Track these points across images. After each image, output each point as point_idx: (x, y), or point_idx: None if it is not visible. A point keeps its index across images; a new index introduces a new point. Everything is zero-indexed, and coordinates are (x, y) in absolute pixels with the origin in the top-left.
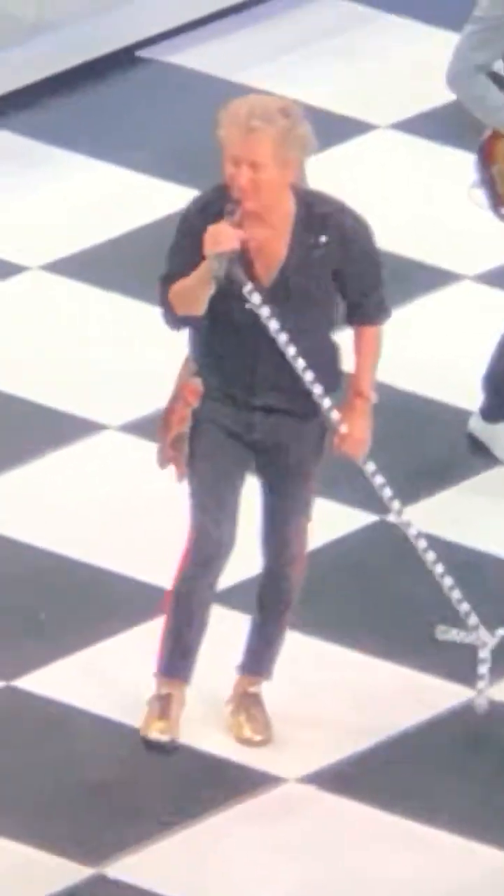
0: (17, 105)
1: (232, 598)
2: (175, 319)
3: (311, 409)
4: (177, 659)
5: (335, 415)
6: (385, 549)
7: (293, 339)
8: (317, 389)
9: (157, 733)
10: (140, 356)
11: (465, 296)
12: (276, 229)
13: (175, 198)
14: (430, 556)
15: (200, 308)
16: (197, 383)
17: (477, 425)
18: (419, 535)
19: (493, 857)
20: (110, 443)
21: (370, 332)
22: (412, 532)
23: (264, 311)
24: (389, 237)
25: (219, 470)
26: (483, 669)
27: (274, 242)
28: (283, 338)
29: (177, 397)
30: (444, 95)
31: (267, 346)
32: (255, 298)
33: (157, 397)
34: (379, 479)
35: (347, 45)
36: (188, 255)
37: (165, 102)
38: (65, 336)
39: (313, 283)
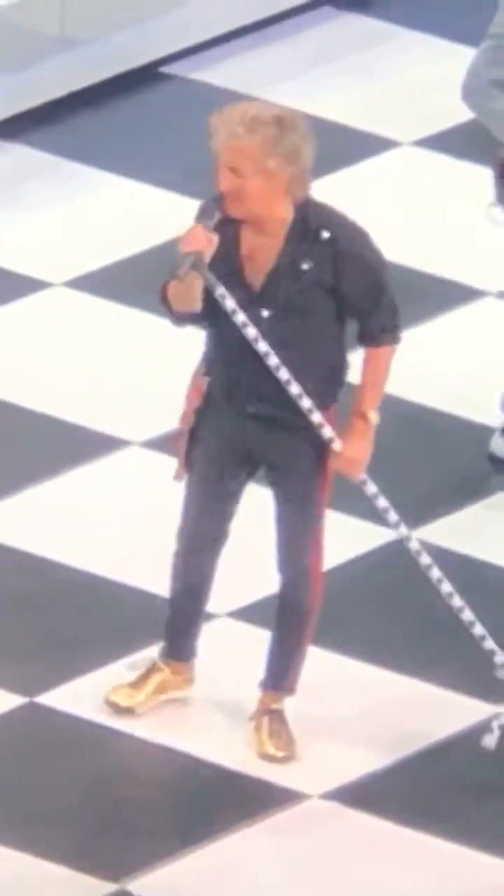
0: (41, 121)
1: (254, 614)
2: (172, 316)
3: (301, 423)
4: (164, 638)
5: (327, 431)
6: (407, 565)
7: (280, 349)
8: (305, 403)
9: (117, 697)
10: (163, 372)
11: (487, 312)
12: (271, 238)
13: None
14: (445, 585)
15: (191, 305)
16: (203, 382)
17: (498, 445)
18: (420, 551)
19: None
20: (134, 459)
21: (372, 354)
22: (414, 549)
23: (239, 318)
24: (412, 254)
25: (207, 496)
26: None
27: (266, 250)
28: (262, 347)
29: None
30: (465, 112)
31: (252, 354)
32: (229, 303)
33: (180, 413)
34: (382, 502)
35: (369, 61)
36: None
37: (189, 119)
38: (88, 352)
39: (302, 294)
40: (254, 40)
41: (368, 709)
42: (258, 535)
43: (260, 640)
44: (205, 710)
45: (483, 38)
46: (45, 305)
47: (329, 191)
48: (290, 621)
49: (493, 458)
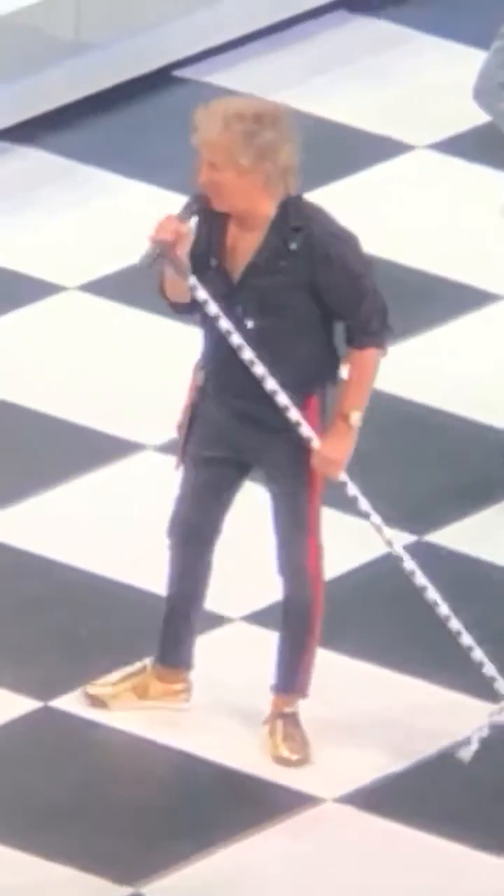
0: (55, 125)
1: (268, 617)
2: (168, 304)
3: (280, 422)
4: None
5: (305, 430)
6: (420, 568)
7: (256, 344)
8: (281, 399)
9: (93, 689)
10: (178, 376)
11: (500, 316)
12: (253, 233)
13: None
14: (431, 593)
15: (179, 295)
16: (199, 377)
17: None
18: (401, 556)
19: None
20: (148, 463)
21: (356, 356)
22: (398, 554)
23: (211, 308)
24: (425, 257)
25: (199, 486)
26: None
27: (247, 244)
28: (235, 339)
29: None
30: (479, 116)
31: (228, 348)
32: (200, 294)
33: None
34: (364, 505)
35: (383, 65)
36: None
37: None
38: (101, 356)
39: (277, 289)
40: (267, 44)
41: (382, 712)
42: (271, 539)
43: (272, 643)
44: (219, 714)
45: (494, 40)
46: (59, 309)
47: (342, 194)
48: (294, 622)
49: None
